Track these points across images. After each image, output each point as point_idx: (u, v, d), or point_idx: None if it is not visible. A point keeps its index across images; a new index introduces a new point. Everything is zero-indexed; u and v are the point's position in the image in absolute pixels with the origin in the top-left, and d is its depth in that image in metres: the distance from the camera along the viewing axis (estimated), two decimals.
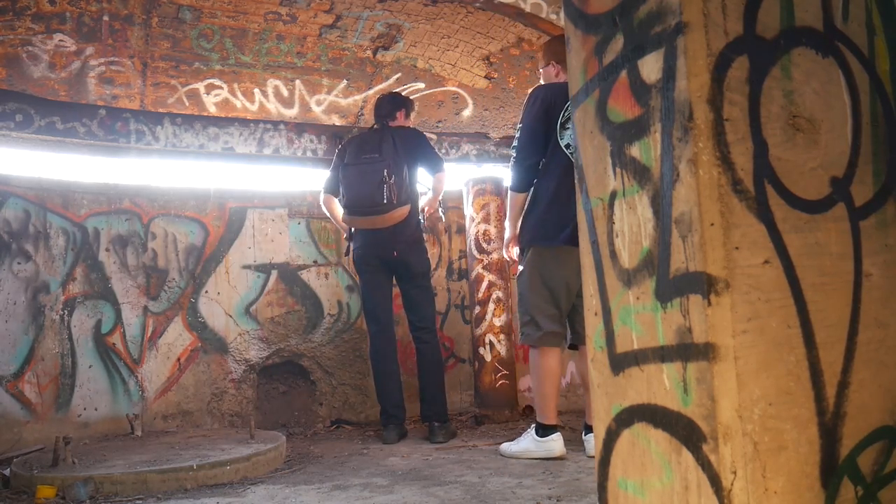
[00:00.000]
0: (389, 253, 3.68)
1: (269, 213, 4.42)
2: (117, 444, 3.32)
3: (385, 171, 3.57)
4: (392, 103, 3.87)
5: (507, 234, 3.20)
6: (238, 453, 2.89)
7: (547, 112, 3.01)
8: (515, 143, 3.07)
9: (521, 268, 3.11)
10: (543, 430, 2.96)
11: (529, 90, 3.18)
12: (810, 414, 1.14)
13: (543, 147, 3.00)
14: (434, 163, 3.79)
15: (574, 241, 2.88)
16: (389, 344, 3.79)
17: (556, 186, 2.95)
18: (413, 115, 4.00)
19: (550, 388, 2.98)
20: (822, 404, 1.15)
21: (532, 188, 3.07)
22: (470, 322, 4.38)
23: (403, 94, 4.11)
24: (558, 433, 2.96)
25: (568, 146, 2.96)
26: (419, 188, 3.90)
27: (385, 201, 3.56)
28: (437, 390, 3.74)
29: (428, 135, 4.61)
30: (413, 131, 3.82)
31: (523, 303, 3.08)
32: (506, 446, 3.10)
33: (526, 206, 3.09)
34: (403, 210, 3.60)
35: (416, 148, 3.73)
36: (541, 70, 3.31)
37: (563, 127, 2.99)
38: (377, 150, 3.65)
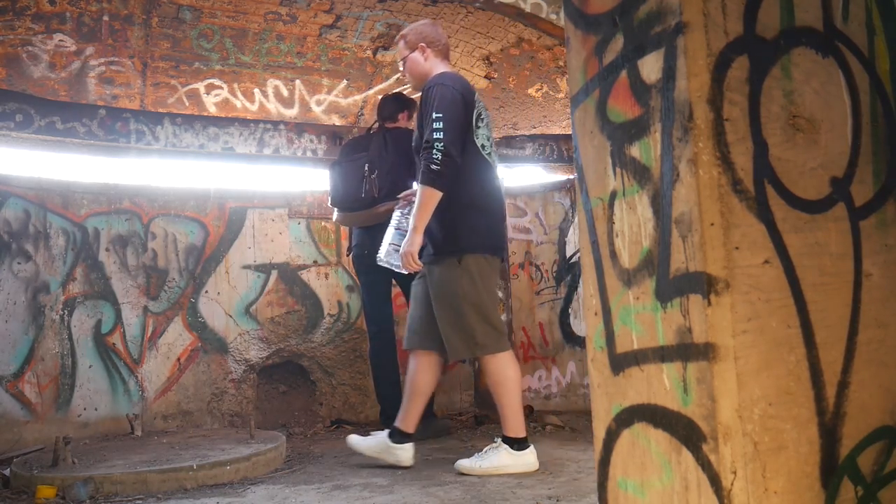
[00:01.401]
0: None
1: (269, 213, 4.42)
2: (117, 444, 3.32)
3: (366, 165, 3.54)
4: (395, 104, 3.83)
5: (417, 240, 2.72)
6: (238, 453, 2.89)
7: (466, 107, 2.75)
8: (440, 135, 2.66)
9: (432, 278, 2.81)
10: (520, 444, 2.74)
11: (436, 82, 2.77)
12: (810, 414, 1.14)
13: (467, 144, 2.76)
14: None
15: (500, 252, 2.86)
16: (388, 344, 3.79)
17: (481, 191, 2.78)
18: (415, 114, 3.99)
19: (519, 398, 2.80)
20: (822, 404, 1.15)
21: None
22: None
23: (406, 95, 4.10)
24: (532, 446, 2.78)
25: (483, 147, 2.79)
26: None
27: (364, 196, 3.52)
28: None
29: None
30: (409, 131, 3.81)
31: (478, 314, 2.76)
32: (468, 463, 2.76)
33: (439, 209, 2.74)
34: (390, 205, 3.57)
35: (409, 147, 3.72)
36: (404, 57, 2.96)
37: (476, 125, 2.78)
38: (365, 148, 3.67)
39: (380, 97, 4.10)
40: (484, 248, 2.78)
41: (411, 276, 3.74)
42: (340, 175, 3.68)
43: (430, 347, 2.89)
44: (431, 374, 2.92)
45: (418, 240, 2.72)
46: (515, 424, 2.74)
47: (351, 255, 3.85)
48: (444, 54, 2.96)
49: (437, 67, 2.91)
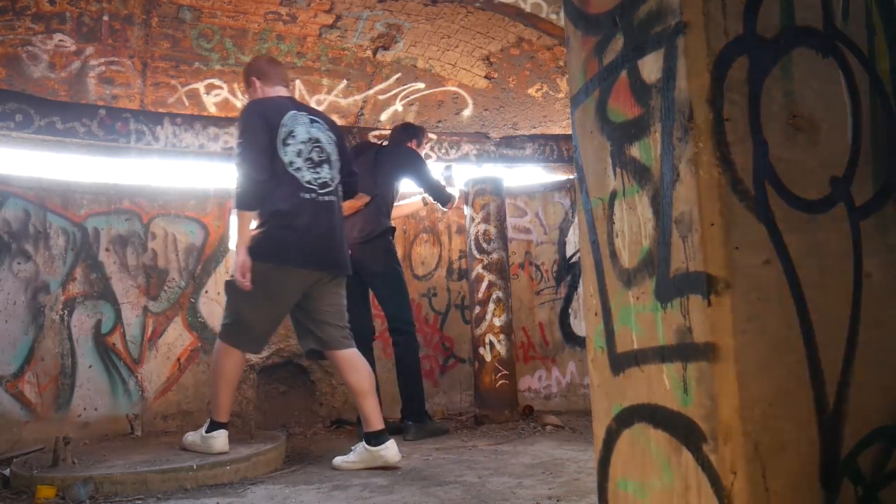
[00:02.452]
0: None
1: None
2: (117, 444, 3.32)
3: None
4: (403, 133, 4.07)
5: (239, 257, 2.81)
6: (238, 453, 2.89)
7: (269, 126, 2.88)
8: (238, 160, 2.85)
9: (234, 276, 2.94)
10: (215, 427, 2.92)
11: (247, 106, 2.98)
12: (810, 414, 1.14)
13: (271, 163, 2.86)
14: (435, 190, 3.94)
15: (300, 264, 2.86)
16: (361, 346, 3.84)
17: (282, 205, 2.85)
18: (424, 142, 4.21)
19: (233, 388, 2.99)
20: (822, 404, 1.15)
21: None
22: (470, 322, 4.38)
23: (414, 124, 4.27)
24: (225, 431, 2.92)
25: (292, 163, 2.89)
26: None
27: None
28: (406, 390, 3.78)
29: (427, 135, 4.63)
30: (404, 148, 3.99)
31: (239, 311, 2.91)
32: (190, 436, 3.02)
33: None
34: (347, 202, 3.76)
35: (403, 163, 3.89)
36: (248, 94, 3.17)
37: (285, 143, 2.89)
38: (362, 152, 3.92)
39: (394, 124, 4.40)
40: (274, 259, 2.83)
41: (371, 275, 3.79)
42: None
43: (327, 346, 3.00)
44: (356, 369, 2.97)
45: (240, 257, 2.82)
46: (219, 409, 2.94)
47: None
48: (276, 81, 3.08)
49: (267, 95, 3.05)
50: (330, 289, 3.01)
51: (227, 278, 3.02)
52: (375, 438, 2.91)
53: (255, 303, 2.87)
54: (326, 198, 2.96)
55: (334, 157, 3.03)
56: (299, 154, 2.92)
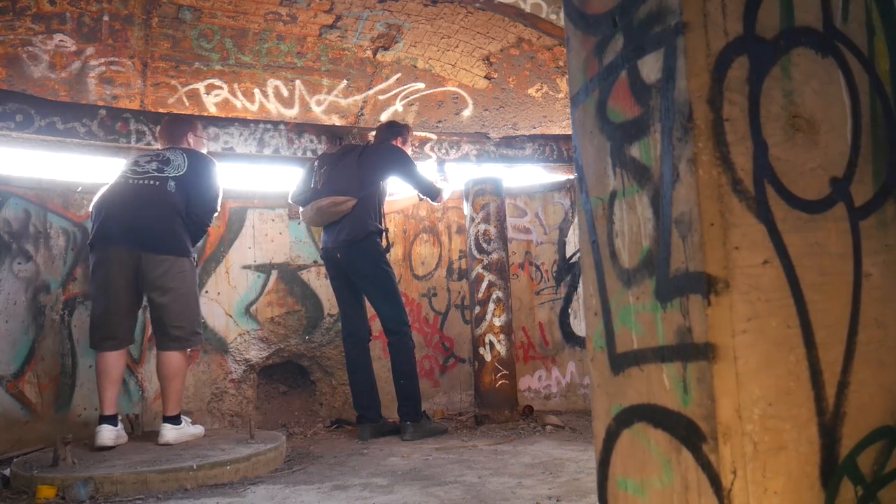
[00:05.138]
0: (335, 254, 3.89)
1: (269, 213, 4.42)
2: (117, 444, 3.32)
3: (315, 162, 4.02)
4: (388, 131, 4.11)
5: None
6: (238, 453, 2.89)
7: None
8: None
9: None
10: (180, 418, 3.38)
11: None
12: (810, 414, 1.14)
13: None
14: (423, 186, 3.99)
15: (123, 241, 3.24)
16: (357, 346, 3.90)
17: (111, 197, 3.34)
18: (410, 139, 4.23)
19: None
20: (822, 404, 1.15)
21: None
22: (470, 322, 4.38)
23: (399, 122, 4.29)
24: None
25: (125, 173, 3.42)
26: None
27: (311, 188, 3.95)
28: (402, 390, 3.80)
29: (427, 135, 4.63)
30: (388, 146, 4.00)
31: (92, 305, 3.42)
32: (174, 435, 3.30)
33: None
34: (334, 199, 3.82)
35: (388, 161, 3.92)
36: None
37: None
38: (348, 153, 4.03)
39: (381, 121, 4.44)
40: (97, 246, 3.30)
41: (359, 277, 3.81)
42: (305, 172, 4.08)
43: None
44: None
45: None
46: (179, 405, 3.41)
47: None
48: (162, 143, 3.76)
49: None
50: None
51: None
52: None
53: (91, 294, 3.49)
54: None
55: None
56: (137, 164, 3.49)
